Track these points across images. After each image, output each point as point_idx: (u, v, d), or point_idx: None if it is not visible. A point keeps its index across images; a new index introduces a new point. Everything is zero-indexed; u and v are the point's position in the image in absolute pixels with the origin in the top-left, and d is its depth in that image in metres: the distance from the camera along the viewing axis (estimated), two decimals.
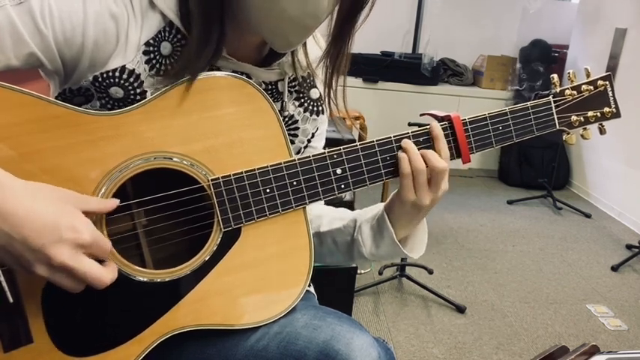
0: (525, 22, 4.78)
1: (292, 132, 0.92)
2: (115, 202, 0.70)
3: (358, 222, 0.92)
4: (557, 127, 0.91)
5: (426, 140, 0.84)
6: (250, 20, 0.76)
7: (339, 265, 2.08)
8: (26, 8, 0.68)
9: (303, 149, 0.95)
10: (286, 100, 0.89)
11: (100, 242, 0.63)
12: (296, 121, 0.92)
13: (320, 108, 0.94)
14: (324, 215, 0.96)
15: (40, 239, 0.58)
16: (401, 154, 0.81)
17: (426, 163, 0.81)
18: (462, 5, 4.70)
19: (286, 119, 0.90)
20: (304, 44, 0.88)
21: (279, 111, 0.87)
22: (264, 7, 0.72)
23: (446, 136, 0.84)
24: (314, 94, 0.93)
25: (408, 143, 0.82)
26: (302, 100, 0.92)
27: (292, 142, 0.92)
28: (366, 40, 3.94)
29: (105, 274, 0.64)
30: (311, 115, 0.93)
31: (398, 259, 2.66)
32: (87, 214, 0.64)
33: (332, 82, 0.86)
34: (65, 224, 0.60)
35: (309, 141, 0.95)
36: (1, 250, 0.59)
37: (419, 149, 0.82)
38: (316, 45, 0.91)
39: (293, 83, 0.90)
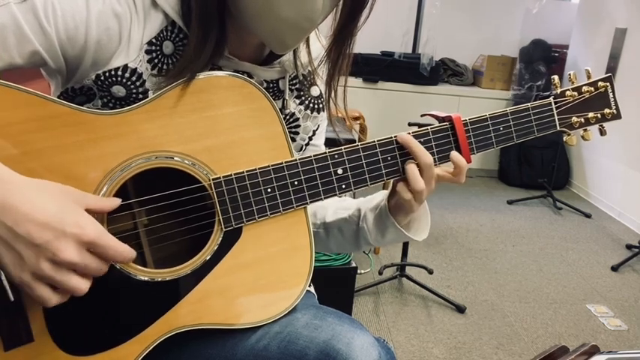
0: (525, 22, 4.78)
1: (293, 130, 0.92)
2: (117, 202, 0.69)
3: (362, 211, 0.93)
4: (558, 128, 0.91)
5: (427, 141, 0.84)
6: (247, 22, 0.76)
7: (339, 258, 2.08)
8: (30, 6, 0.68)
9: (304, 147, 0.95)
10: (287, 98, 0.89)
11: (104, 240, 0.62)
12: (297, 119, 0.92)
13: (320, 105, 0.94)
14: (328, 206, 0.97)
15: (44, 235, 0.58)
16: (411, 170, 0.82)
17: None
18: (462, 5, 4.70)
19: (287, 117, 0.91)
20: (307, 43, 0.88)
21: (281, 109, 0.87)
22: (260, 9, 0.72)
23: (447, 136, 0.85)
24: (314, 91, 0.93)
25: (404, 137, 0.82)
26: (303, 98, 0.92)
27: (293, 140, 0.93)
28: (366, 40, 3.94)
29: (105, 267, 0.64)
30: (312, 113, 0.94)
31: (398, 259, 2.66)
32: (89, 212, 0.64)
33: (333, 83, 0.86)
34: (69, 220, 0.60)
35: (310, 139, 0.96)
36: (4, 246, 0.58)
37: None
38: (318, 42, 0.92)
39: (294, 81, 0.90)
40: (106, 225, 0.71)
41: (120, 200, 0.70)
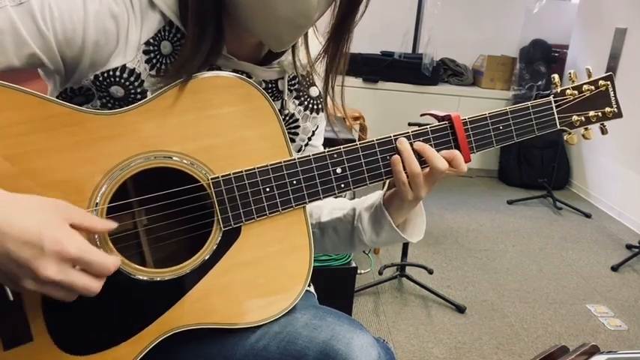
0: (525, 22, 4.78)
1: (293, 130, 0.92)
2: (112, 225, 0.67)
3: (357, 210, 0.93)
4: (558, 126, 0.91)
5: (426, 140, 0.84)
6: (243, 19, 0.76)
7: (339, 258, 2.08)
8: (27, 9, 0.68)
9: (303, 147, 0.95)
10: (286, 98, 0.89)
11: (87, 256, 0.60)
12: (296, 120, 0.92)
13: (319, 106, 0.94)
14: (324, 206, 0.97)
15: (24, 253, 0.57)
16: (395, 161, 0.81)
17: (425, 161, 0.82)
18: (462, 5, 4.70)
19: (287, 118, 0.90)
20: (306, 43, 0.88)
21: (280, 110, 0.87)
22: (256, 6, 0.72)
23: (446, 135, 0.85)
24: (313, 92, 0.93)
25: (403, 144, 0.82)
26: (302, 99, 0.92)
27: (293, 141, 0.92)
28: (366, 40, 3.94)
29: (94, 284, 0.62)
30: (311, 114, 0.93)
31: (398, 259, 2.66)
32: (77, 228, 0.62)
33: (330, 76, 0.86)
34: (48, 237, 0.58)
35: (309, 139, 0.95)
36: None
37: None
38: (317, 41, 0.91)
39: (293, 82, 0.90)
40: None
41: (116, 224, 0.68)
